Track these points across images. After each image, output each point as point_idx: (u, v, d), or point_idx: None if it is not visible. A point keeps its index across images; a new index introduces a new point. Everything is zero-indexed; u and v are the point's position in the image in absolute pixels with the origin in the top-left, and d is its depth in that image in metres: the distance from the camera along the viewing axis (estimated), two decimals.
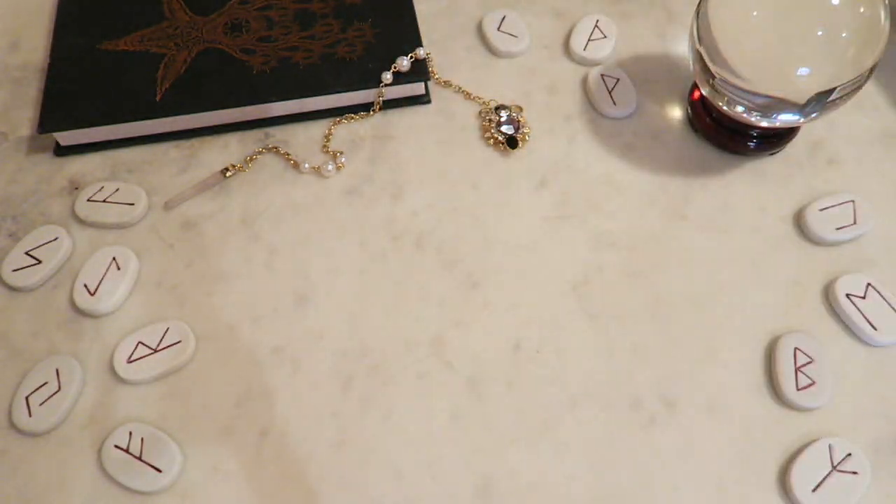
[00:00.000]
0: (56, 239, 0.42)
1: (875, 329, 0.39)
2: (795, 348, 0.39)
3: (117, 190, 0.44)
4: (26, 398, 0.37)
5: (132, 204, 0.43)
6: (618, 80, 0.49)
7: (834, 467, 0.36)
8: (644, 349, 0.40)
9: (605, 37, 0.51)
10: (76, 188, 0.45)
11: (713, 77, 0.41)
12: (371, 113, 0.48)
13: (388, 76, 0.47)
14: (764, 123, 0.42)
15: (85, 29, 0.49)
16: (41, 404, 0.37)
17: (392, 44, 0.48)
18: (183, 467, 0.36)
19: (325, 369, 0.39)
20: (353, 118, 0.48)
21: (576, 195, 0.45)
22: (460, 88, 0.49)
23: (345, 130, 0.47)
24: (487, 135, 0.47)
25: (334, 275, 0.42)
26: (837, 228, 0.43)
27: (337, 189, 0.45)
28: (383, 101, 0.48)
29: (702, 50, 0.41)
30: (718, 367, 0.39)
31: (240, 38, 0.48)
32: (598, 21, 0.51)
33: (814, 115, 0.40)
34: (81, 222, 0.44)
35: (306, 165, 0.45)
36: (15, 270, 0.41)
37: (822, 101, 0.39)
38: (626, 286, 0.42)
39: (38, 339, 0.40)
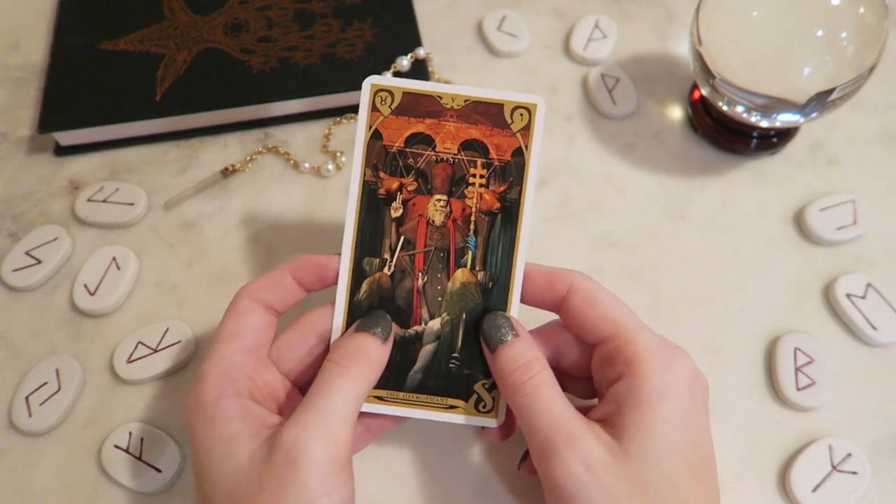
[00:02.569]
0: (56, 239, 0.42)
1: (875, 329, 0.39)
2: (795, 348, 0.39)
3: (117, 190, 0.44)
4: (26, 398, 0.37)
5: (132, 204, 0.43)
6: (618, 80, 0.49)
7: (834, 467, 0.36)
8: None
9: (605, 37, 0.51)
10: (76, 188, 0.45)
11: (713, 77, 0.41)
12: None
13: (388, 76, 0.47)
14: (764, 123, 0.42)
15: (85, 29, 0.49)
16: (41, 404, 0.37)
17: (392, 44, 0.48)
18: (183, 467, 0.36)
19: None
20: (353, 118, 0.48)
21: (576, 195, 0.45)
22: None
23: (345, 130, 0.47)
24: None
25: None
26: (837, 228, 0.43)
27: (337, 189, 0.45)
28: None
29: (702, 50, 0.41)
30: (718, 367, 0.39)
31: (240, 38, 0.48)
32: (598, 21, 0.51)
33: (814, 115, 0.40)
34: (81, 222, 0.44)
35: (306, 165, 0.45)
36: (15, 270, 0.41)
37: (822, 101, 0.39)
38: (626, 286, 0.42)
39: (38, 339, 0.40)
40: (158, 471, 0.35)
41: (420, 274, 0.32)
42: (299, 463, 0.26)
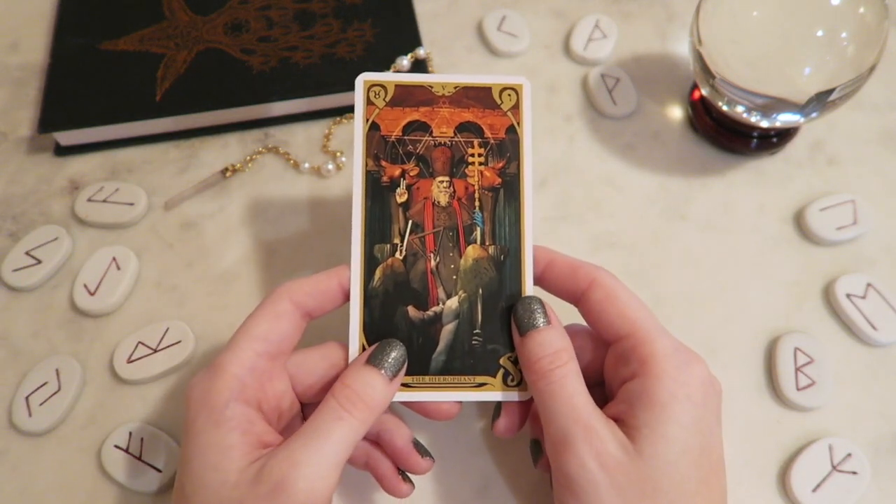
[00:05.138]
0: (56, 239, 0.42)
1: (875, 329, 0.39)
2: (795, 348, 0.39)
3: (117, 190, 0.44)
4: (26, 398, 0.37)
5: (132, 204, 0.43)
6: (618, 80, 0.49)
7: (834, 467, 0.36)
8: None
9: (605, 37, 0.51)
10: (76, 188, 0.45)
11: (713, 77, 0.41)
12: None
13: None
14: (764, 123, 0.42)
15: (85, 29, 0.49)
16: (41, 404, 0.37)
17: (392, 44, 0.48)
18: None
19: None
20: (352, 118, 0.48)
21: (576, 195, 0.45)
22: None
23: (345, 130, 0.47)
24: None
25: None
26: (837, 228, 0.43)
27: (337, 189, 0.45)
28: None
29: (702, 50, 0.41)
30: (718, 367, 0.39)
31: (240, 38, 0.48)
32: (598, 21, 0.51)
33: (814, 115, 0.40)
34: (81, 222, 0.44)
35: (306, 165, 0.45)
36: (15, 270, 0.41)
37: (822, 101, 0.39)
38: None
39: (38, 339, 0.40)
40: (158, 471, 0.35)
41: (432, 255, 0.33)
42: (283, 501, 0.26)
